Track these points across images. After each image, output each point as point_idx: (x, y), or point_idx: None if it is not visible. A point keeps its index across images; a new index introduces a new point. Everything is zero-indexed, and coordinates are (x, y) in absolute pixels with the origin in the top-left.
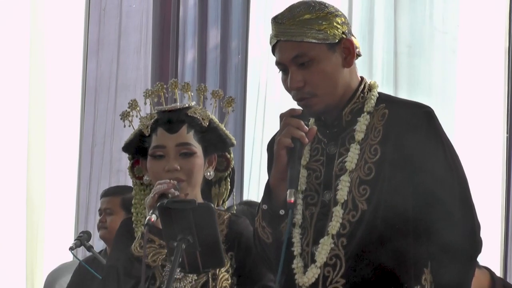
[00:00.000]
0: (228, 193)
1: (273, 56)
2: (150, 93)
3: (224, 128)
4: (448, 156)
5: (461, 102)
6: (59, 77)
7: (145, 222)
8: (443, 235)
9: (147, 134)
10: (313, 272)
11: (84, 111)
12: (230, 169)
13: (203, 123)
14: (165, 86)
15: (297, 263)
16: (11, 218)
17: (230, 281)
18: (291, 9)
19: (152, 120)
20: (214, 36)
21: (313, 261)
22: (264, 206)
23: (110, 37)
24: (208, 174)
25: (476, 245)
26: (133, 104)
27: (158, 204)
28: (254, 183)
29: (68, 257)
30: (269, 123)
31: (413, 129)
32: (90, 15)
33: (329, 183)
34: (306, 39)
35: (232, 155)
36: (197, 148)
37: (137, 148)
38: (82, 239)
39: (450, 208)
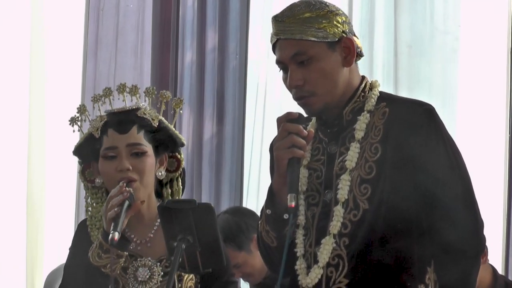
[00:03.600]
0: (180, 193)
1: (273, 56)
2: (98, 97)
3: (174, 129)
4: (450, 153)
5: (463, 102)
6: (59, 77)
7: (109, 242)
8: (446, 234)
9: (97, 136)
10: (316, 273)
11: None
12: (181, 170)
13: (153, 123)
14: (112, 90)
15: (300, 264)
16: (11, 218)
17: (194, 280)
18: (291, 7)
19: (102, 122)
20: (212, 38)
21: (316, 261)
22: (268, 211)
23: (108, 37)
24: (160, 174)
25: (479, 243)
26: (82, 109)
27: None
28: (253, 185)
29: None
30: (268, 125)
31: (414, 127)
32: (89, 15)
33: (330, 183)
34: (306, 37)
35: (182, 156)
36: (148, 147)
37: (88, 151)
38: None
39: (452, 206)
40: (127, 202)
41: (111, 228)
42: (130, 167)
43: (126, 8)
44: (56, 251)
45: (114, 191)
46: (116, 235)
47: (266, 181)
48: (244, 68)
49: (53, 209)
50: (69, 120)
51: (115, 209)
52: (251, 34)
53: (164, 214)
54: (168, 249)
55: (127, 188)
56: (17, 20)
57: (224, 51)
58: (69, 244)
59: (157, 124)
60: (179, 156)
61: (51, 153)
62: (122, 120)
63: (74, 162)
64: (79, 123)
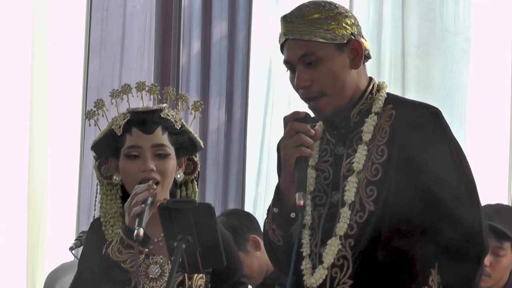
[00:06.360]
0: (197, 195)
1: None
2: (116, 93)
3: (193, 131)
4: (454, 155)
5: (474, 104)
6: (62, 77)
7: (135, 238)
8: (449, 236)
9: (119, 134)
10: (321, 273)
11: (86, 111)
12: (197, 172)
13: (176, 125)
14: (132, 87)
15: (305, 264)
16: (12, 218)
17: (204, 279)
18: (300, 8)
19: (125, 120)
20: (219, 29)
21: (321, 262)
22: (275, 209)
23: (113, 38)
24: (179, 176)
25: (482, 246)
26: (99, 104)
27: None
28: (263, 182)
29: (69, 257)
30: (278, 120)
31: (419, 129)
32: (92, 16)
33: (337, 184)
34: (314, 38)
35: (197, 158)
36: (171, 150)
37: (107, 147)
38: (82, 239)
39: (456, 209)
40: (150, 199)
41: (136, 224)
42: (155, 168)
43: (133, 8)
44: (57, 251)
45: (141, 187)
46: (142, 231)
47: (275, 178)
48: (247, 62)
49: (54, 209)
50: (86, 114)
51: (142, 205)
52: (260, 23)
53: (164, 214)
54: (168, 249)
55: (154, 186)
56: (19, 20)
57: (232, 41)
58: (70, 244)
59: (179, 126)
60: (195, 159)
61: (53, 152)
62: (147, 120)
63: (76, 162)
64: (95, 117)
